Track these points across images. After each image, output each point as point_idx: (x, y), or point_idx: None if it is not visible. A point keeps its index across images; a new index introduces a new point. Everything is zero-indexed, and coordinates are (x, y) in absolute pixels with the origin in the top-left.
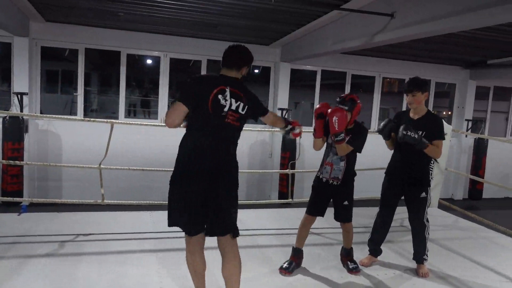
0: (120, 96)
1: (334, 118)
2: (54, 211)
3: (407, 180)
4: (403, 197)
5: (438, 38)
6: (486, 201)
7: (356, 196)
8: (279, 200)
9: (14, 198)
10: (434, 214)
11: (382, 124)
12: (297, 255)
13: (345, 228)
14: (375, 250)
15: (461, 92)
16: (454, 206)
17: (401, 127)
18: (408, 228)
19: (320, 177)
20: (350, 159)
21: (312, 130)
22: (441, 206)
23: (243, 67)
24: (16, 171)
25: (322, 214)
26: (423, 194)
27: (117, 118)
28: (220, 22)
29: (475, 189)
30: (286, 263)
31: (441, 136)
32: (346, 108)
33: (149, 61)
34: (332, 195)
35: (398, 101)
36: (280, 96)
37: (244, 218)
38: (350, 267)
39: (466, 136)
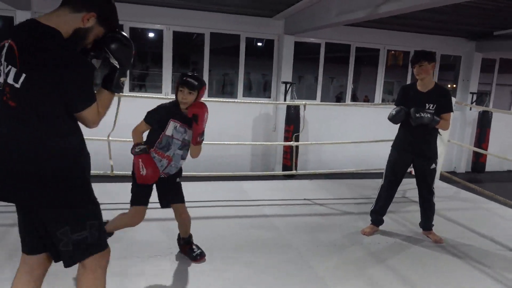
0: None
1: (206, 114)
2: (102, 181)
3: (419, 153)
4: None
5: (444, 8)
6: (489, 174)
7: (351, 168)
8: (282, 172)
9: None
10: (435, 186)
11: (394, 112)
12: None
13: (180, 211)
14: (377, 220)
15: (467, 64)
16: (456, 178)
17: (412, 110)
18: (410, 199)
19: None
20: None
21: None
22: (442, 178)
23: (84, 9)
24: None
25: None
26: (433, 166)
27: (122, 92)
28: None
29: (478, 162)
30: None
31: (450, 108)
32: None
33: (152, 35)
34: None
35: (402, 74)
36: (283, 70)
37: (250, 189)
38: (194, 254)
39: (470, 109)
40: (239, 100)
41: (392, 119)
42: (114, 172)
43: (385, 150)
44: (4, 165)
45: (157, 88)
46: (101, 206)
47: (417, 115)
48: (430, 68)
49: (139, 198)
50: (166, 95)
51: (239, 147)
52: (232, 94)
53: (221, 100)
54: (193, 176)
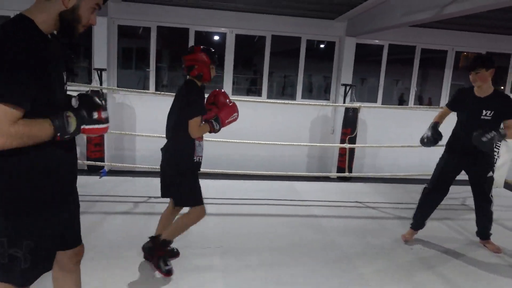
0: None
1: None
2: (129, 176)
3: (473, 160)
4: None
5: None
6: None
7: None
8: (336, 174)
9: (97, 163)
10: (500, 195)
11: (425, 139)
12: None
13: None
14: (417, 224)
15: None
16: None
17: (476, 134)
18: (469, 207)
19: (198, 160)
20: None
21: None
22: (507, 186)
23: None
24: (99, 140)
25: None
26: (490, 173)
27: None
28: None
29: None
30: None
31: (503, 136)
32: None
33: (216, 37)
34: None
35: None
36: (344, 72)
37: (303, 189)
38: (165, 269)
39: None
40: (295, 102)
41: (423, 143)
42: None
43: None
44: None
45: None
46: (161, 199)
47: (484, 139)
48: (488, 75)
49: (200, 197)
50: None
51: (296, 148)
52: (292, 96)
53: (279, 101)
54: (248, 174)
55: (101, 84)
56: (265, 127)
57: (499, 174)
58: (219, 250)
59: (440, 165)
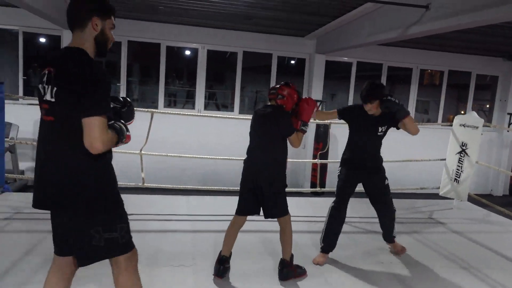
0: (160, 86)
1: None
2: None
3: (369, 173)
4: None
5: (478, 29)
6: None
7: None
8: (309, 189)
9: None
10: (463, 208)
11: None
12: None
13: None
14: (330, 245)
15: (504, 84)
16: (484, 200)
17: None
18: (436, 220)
19: None
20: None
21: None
22: (471, 200)
23: (91, 19)
24: None
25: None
26: (386, 182)
27: (157, 107)
28: (255, 15)
29: None
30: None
31: (406, 112)
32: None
33: (187, 53)
34: None
35: (438, 93)
36: (314, 88)
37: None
38: (301, 270)
39: (508, 131)
40: None
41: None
42: (145, 184)
43: (422, 168)
44: (46, 177)
45: (190, 105)
46: (133, 216)
47: (388, 97)
48: (379, 102)
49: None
50: (198, 112)
51: None
52: None
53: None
54: (215, 190)
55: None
56: (237, 142)
57: (463, 188)
58: (191, 269)
59: (340, 180)
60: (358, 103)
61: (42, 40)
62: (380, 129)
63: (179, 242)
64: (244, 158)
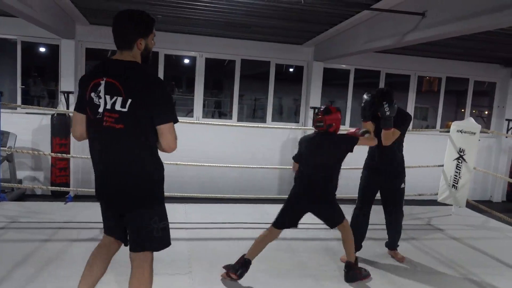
0: None
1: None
2: (96, 201)
3: (387, 175)
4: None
5: (475, 36)
6: None
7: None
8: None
9: (61, 188)
10: (462, 214)
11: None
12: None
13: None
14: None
15: (502, 91)
16: (483, 206)
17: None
18: (434, 227)
19: None
20: None
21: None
22: (470, 206)
23: (135, 41)
24: (64, 164)
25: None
26: (402, 185)
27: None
28: (253, 23)
29: None
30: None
31: (389, 126)
32: None
33: (186, 61)
34: None
35: (437, 99)
36: (312, 95)
37: (274, 213)
38: (366, 273)
39: (506, 137)
40: (266, 125)
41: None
42: None
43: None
44: (114, 181)
45: (188, 112)
46: None
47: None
48: None
49: None
50: (197, 119)
51: (267, 171)
52: (262, 118)
53: (249, 125)
54: (218, 198)
55: (67, 107)
56: (236, 150)
57: (461, 194)
58: (187, 277)
59: (362, 183)
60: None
61: (41, 49)
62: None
63: (175, 250)
64: (295, 179)
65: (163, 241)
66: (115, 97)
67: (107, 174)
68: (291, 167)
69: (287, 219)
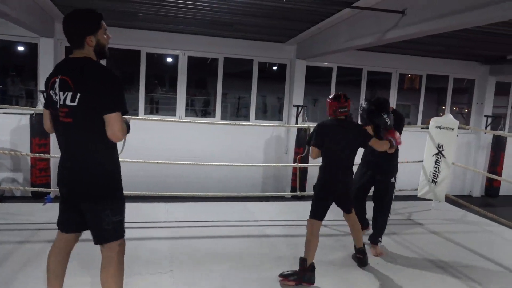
0: (140, 93)
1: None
2: None
3: (379, 168)
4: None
5: (454, 33)
6: (504, 198)
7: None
8: (289, 193)
9: (40, 189)
10: (441, 209)
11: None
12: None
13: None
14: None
15: (480, 88)
16: (462, 201)
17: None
18: (414, 222)
19: None
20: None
21: None
22: (449, 201)
23: (84, 39)
24: (44, 165)
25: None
26: (393, 179)
27: (137, 114)
28: (235, 21)
29: (492, 186)
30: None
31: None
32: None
33: (168, 59)
34: None
35: (418, 97)
36: (295, 93)
37: (256, 210)
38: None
39: (485, 133)
40: (249, 123)
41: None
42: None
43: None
44: (69, 173)
45: (171, 111)
46: None
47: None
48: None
49: None
50: (180, 118)
51: (251, 169)
52: (246, 117)
53: (231, 123)
54: (202, 196)
55: (46, 105)
56: (219, 149)
57: (440, 189)
58: (168, 276)
59: (356, 176)
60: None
61: (19, 48)
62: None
63: (156, 249)
64: (321, 174)
65: (116, 234)
66: (66, 93)
67: (64, 166)
68: (270, 164)
69: (324, 211)
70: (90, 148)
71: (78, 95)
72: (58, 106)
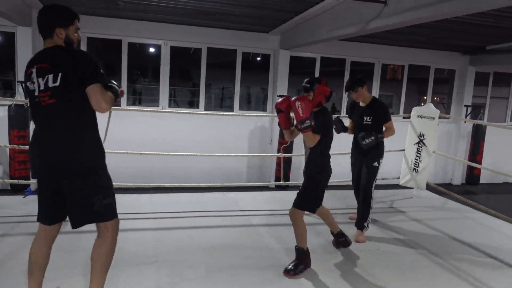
0: (122, 84)
1: (297, 103)
2: None
3: (364, 153)
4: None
5: (435, 24)
6: (484, 186)
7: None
8: (274, 183)
9: (19, 181)
10: (422, 196)
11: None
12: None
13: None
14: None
15: (461, 78)
16: (442, 188)
17: (360, 136)
18: (396, 209)
19: None
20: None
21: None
22: (430, 188)
23: (55, 30)
24: (23, 157)
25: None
26: (375, 164)
27: (119, 105)
28: (219, 11)
29: (472, 174)
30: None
31: (387, 118)
32: (310, 92)
33: (150, 49)
34: None
35: (401, 87)
36: (279, 83)
37: (241, 200)
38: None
39: (465, 122)
40: (233, 113)
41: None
42: None
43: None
44: (51, 150)
45: (155, 102)
46: None
47: (364, 142)
48: (364, 91)
49: None
50: (163, 109)
51: (235, 159)
52: (231, 107)
53: (216, 113)
54: (186, 187)
55: (26, 97)
56: (203, 139)
57: (421, 177)
58: (153, 267)
59: (352, 173)
60: (351, 100)
61: None
62: (365, 119)
63: (140, 240)
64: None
65: (108, 215)
66: (46, 76)
67: (47, 149)
68: (254, 154)
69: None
70: (77, 128)
71: (60, 75)
72: (37, 93)
